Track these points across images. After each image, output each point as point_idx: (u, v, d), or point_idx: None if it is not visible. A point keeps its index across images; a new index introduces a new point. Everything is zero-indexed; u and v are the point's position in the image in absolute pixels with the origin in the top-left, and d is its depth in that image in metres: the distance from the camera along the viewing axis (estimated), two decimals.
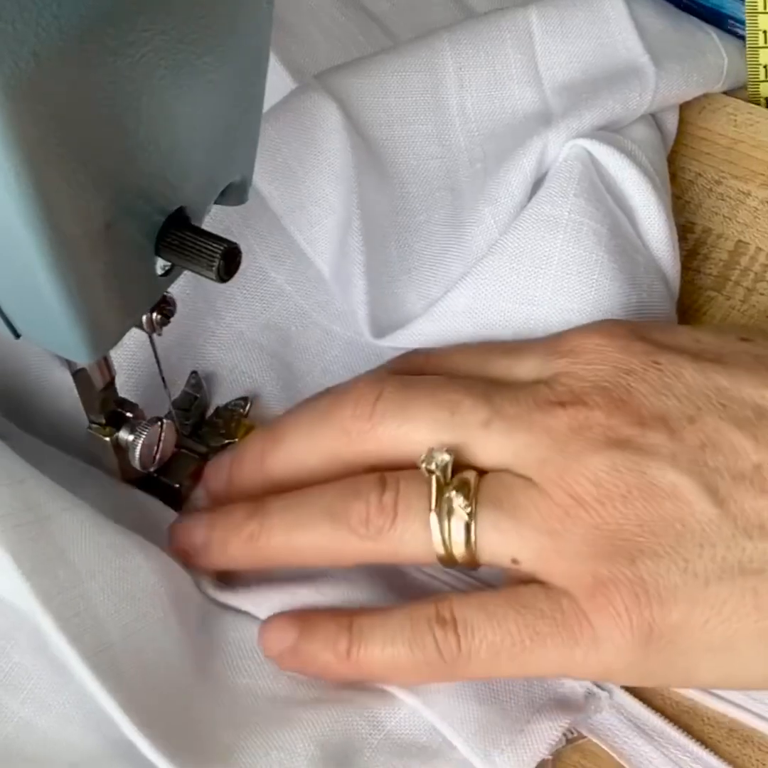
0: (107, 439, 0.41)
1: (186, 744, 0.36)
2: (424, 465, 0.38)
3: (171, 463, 0.43)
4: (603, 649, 0.36)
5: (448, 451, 0.38)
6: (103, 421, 0.41)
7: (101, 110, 0.29)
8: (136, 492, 0.43)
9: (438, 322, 0.45)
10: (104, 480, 0.42)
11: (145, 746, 0.35)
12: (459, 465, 0.38)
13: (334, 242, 0.47)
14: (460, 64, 0.48)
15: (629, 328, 0.40)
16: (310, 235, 0.47)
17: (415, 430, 0.39)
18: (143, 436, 0.41)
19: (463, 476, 0.38)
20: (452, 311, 0.44)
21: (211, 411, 0.45)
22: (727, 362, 0.38)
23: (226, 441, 0.45)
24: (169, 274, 0.36)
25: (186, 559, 0.41)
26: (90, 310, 0.32)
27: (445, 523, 0.37)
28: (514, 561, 0.37)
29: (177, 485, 0.43)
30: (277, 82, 0.49)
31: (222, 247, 0.34)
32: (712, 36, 0.52)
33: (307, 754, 0.37)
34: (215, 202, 0.37)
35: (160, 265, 0.35)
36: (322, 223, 0.47)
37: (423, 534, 0.38)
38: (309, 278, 0.47)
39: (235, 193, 0.37)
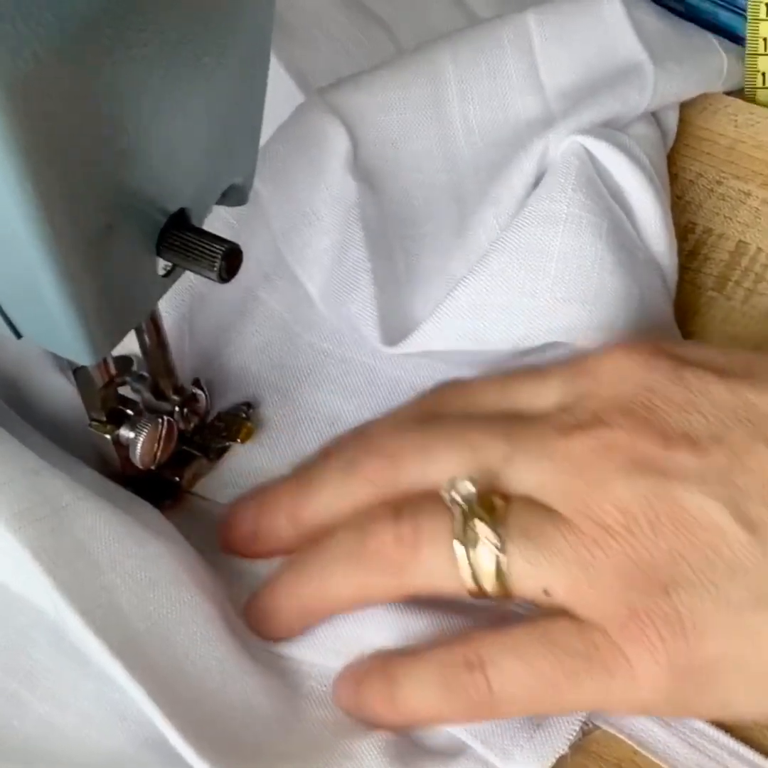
0: (108, 436, 0.41)
1: (217, 736, 0.35)
2: (445, 494, 0.36)
3: (171, 461, 0.43)
4: (639, 682, 0.34)
5: (471, 480, 0.36)
6: (104, 418, 0.41)
7: (101, 110, 0.29)
8: (128, 494, 0.42)
9: (442, 321, 0.45)
10: (99, 478, 0.42)
11: (174, 737, 0.34)
12: (482, 494, 0.36)
13: (326, 264, 0.46)
14: (461, 76, 0.48)
15: (653, 343, 0.38)
16: (301, 256, 0.47)
17: (437, 470, 0.38)
18: (144, 434, 0.41)
19: (490, 501, 0.36)
20: (456, 309, 0.44)
21: (212, 416, 0.45)
22: (755, 377, 0.37)
23: (227, 442, 0.45)
24: (170, 275, 0.36)
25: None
26: (91, 311, 0.32)
27: (472, 553, 0.36)
28: (546, 592, 0.35)
29: (177, 479, 0.44)
30: (279, 85, 0.49)
31: (223, 248, 0.34)
32: (711, 39, 0.52)
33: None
34: (216, 203, 0.37)
35: (162, 265, 0.35)
36: (314, 246, 0.46)
37: (449, 566, 0.36)
38: (300, 299, 0.47)
39: (235, 194, 0.37)
